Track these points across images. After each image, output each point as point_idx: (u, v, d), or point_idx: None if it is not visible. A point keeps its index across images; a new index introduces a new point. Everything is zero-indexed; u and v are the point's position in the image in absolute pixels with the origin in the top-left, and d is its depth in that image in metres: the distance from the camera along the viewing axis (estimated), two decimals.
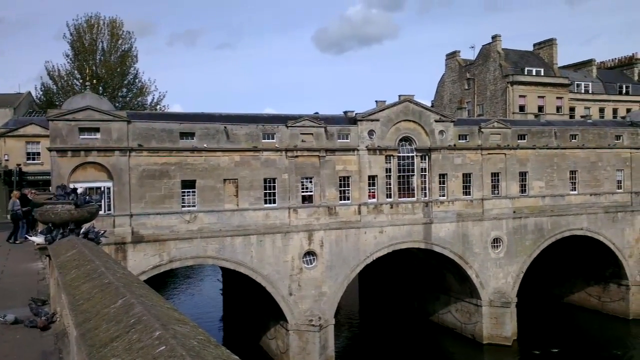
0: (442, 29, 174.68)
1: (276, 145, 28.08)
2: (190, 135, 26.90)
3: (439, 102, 60.27)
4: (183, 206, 26.62)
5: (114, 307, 2.57)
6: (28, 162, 39.79)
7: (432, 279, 35.62)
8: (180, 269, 39.24)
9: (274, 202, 28.00)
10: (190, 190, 26.93)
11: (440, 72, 62.38)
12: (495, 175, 33.34)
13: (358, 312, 40.20)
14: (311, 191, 28.82)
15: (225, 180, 27.28)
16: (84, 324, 2.51)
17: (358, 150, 29.74)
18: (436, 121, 31.83)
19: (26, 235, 18.23)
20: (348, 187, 29.63)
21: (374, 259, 29.90)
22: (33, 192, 20.77)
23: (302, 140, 28.57)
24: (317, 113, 32.03)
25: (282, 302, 27.23)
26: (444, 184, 31.83)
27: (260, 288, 27.32)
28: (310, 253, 28.17)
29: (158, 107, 50.09)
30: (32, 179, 36.24)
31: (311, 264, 28.16)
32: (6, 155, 40.50)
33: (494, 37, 52.37)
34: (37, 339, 5.91)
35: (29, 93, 57.12)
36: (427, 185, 31.44)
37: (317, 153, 28.77)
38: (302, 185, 28.67)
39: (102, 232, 6.72)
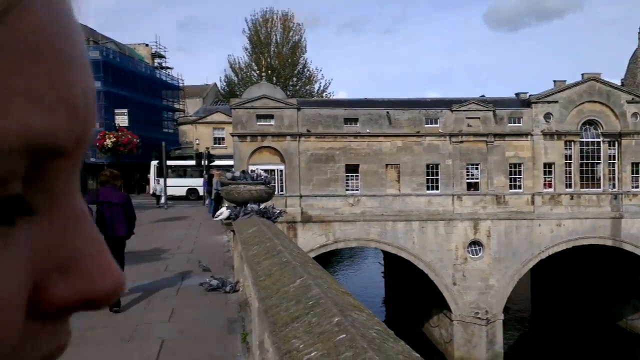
0: None
1: (440, 130, 27.25)
2: (354, 120, 27.57)
3: (631, 81, 51.93)
4: (347, 190, 27.51)
5: (292, 287, 2.65)
6: (215, 146, 44.82)
7: (621, 280, 31.30)
8: (344, 249, 40.87)
9: (437, 189, 27.28)
10: (354, 174, 27.69)
11: (632, 47, 53.77)
12: None
13: (530, 310, 37.28)
14: (477, 178, 27.38)
15: (387, 165, 27.42)
16: (266, 300, 2.64)
17: (532, 135, 27.32)
18: (628, 102, 27.59)
19: (213, 214, 20.59)
20: (519, 174, 27.46)
21: (550, 254, 27.31)
22: (219, 173, 23.38)
23: (468, 125, 27.21)
24: (483, 96, 30.22)
25: (445, 291, 26.53)
26: (637, 173, 27.57)
27: (422, 274, 26.99)
28: (475, 243, 26.88)
29: (324, 94, 52.26)
30: (218, 161, 40.67)
31: (477, 254, 26.86)
32: (197, 140, 46.21)
33: None
34: (224, 306, 6.59)
35: (215, 84, 64.28)
36: (616, 175, 27.58)
37: (484, 138, 27.18)
38: (467, 171, 27.39)
39: (279, 211, 7.19)
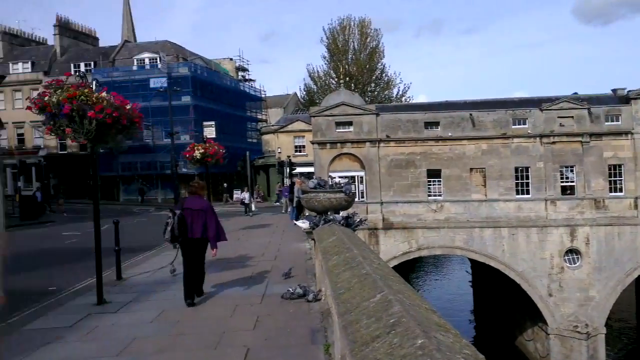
0: None
1: (529, 131, 25.81)
2: (435, 124, 26.90)
3: None
4: (429, 195, 26.86)
5: (372, 302, 2.54)
6: (295, 154, 45.72)
7: None
8: (427, 257, 39.86)
9: (527, 193, 25.80)
10: (436, 179, 27.00)
11: None
12: None
13: (635, 324, 34.07)
14: (572, 181, 25.55)
15: (471, 169, 26.44)
16: (346, 315, 2.55)
17: (632, 133, 25.09)
18: None
19: (295, 222, 20.93)
20: (620, 176, 25.27)
21: None
22: (300, 181, 23.76)
23: (560, 125, 25.52)
24: (575, 93, 28.26)
25: (539, 302, 24.92)
26: None
27: (514, 284, 25.59)
28: (572, 251, 25.04)
29: (403, 98, 51.49)
30: (299, 168, 41.44)
31: (574, 263, 25.00)
32: (279, 148, 47.38)
33: None
34: (306, 315, 6.58)
35: (295, 94, 65.65)
36: None
37: (578, 138, 25.35)
38: (561, 174, 25.65)
39: (360, 219, 7.09)
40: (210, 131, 36.32)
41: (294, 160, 41.79)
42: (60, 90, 6.37)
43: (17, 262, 13.68)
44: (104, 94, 6.71)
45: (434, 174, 26.81)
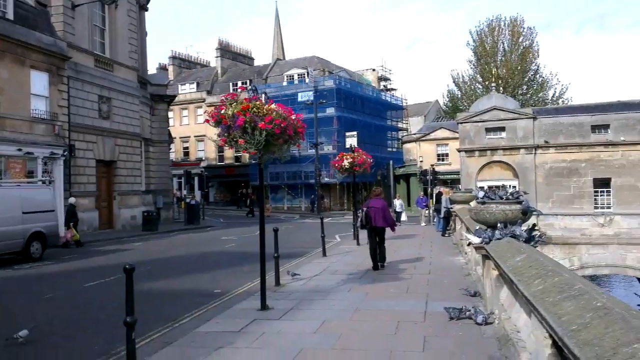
0: None
1: None
2: (604, 127, 24.06)
3: None
4: (595, 207, 24.14)
5: (637, 349, 1.96)
6: (438, 162, 44.25)
7: None
8: (586, 276, 35.56)
9: None
10: (604, 189, 24.20)
11: None
12: None
13: None
14: None
15: None
16: None
17: None
18: None
19: (444, 234, 19.96)
20: None
21: None
22: (447, 190, 22.70)
23: None
24: None
25: None
26: None
27: None
28: None
29: (560, 101, 47.08)
30: (442, 177, 39.94)
31: None
32: (421, 157, 46.28)
33: None
34: (479, 339, 5.95)
35: (436, 101, 63.86)
36: None
37: None
38: None
39: (541, 234, 6.26)
40: (352, 141, 36.75)
41: (436, 169, 40.41)
42: (235, 104, 6.66)
43: (186, 263, 14.96)
44: (273, 105, 6.88)
45: (602, 183, 23.99)
